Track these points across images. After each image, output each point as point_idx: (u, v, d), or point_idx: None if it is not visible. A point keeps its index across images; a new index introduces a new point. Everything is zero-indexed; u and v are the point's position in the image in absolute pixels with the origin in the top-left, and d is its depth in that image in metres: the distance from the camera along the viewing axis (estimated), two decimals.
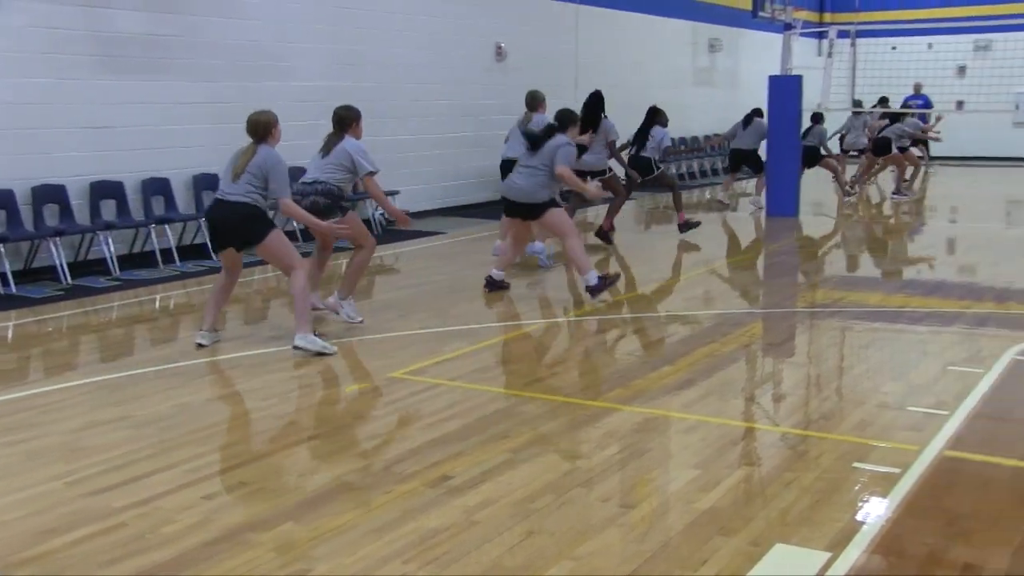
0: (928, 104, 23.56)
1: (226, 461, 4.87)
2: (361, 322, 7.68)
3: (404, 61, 14.09)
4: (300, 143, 12.53)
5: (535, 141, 8.75)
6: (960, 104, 24.11)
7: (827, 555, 3.72)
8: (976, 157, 24.29)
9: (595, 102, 11.06)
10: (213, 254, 7.10)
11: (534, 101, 10.90)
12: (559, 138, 8.71)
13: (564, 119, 8.97)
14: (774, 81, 14.74)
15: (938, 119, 19.21)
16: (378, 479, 4.55)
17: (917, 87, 23.76)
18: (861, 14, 24.78)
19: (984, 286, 9.44)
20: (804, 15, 23.65)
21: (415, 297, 8.98)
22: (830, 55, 18.28)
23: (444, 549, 3.80)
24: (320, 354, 6.68)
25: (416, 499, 4.28)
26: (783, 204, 14.46)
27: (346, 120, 7.68)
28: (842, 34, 18.38)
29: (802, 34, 18.56)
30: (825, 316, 8.22)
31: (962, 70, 25.09)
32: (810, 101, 15.21)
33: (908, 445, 4.93)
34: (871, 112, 18.12)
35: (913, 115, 18.32)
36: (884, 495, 4.30)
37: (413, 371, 6.39)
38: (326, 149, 7.63)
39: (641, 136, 12.55)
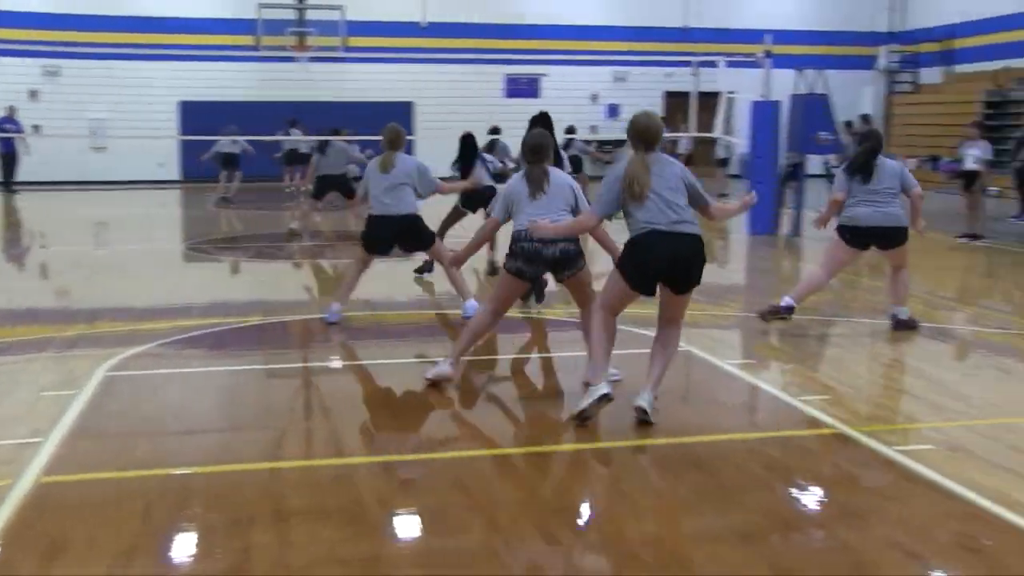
0: (21, 128, 23.08)
1: None
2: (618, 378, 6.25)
3: None
4: None
5: (871, 168, 8.15)
6: (37, 128, 24.15)
7: None
8: (57, 181, 24.20)
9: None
10: (646, 295, 5.80)
11: (399, 138, 8.57)
12: (894, 161, 8.51)
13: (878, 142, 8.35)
14: None
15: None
16: None
17: (11, 110, 23.08)
18: None
19: (75, 308, 9.65)
20: None
21: None
22: None
23: None
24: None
25: None
26: None
27: (547, 148, 6.44)
28: None
29: None
30: None
31: (35, 94, 24.99)
32: None
33: (1, 479, 4.83)
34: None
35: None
36: None
37: None
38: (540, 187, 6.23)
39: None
